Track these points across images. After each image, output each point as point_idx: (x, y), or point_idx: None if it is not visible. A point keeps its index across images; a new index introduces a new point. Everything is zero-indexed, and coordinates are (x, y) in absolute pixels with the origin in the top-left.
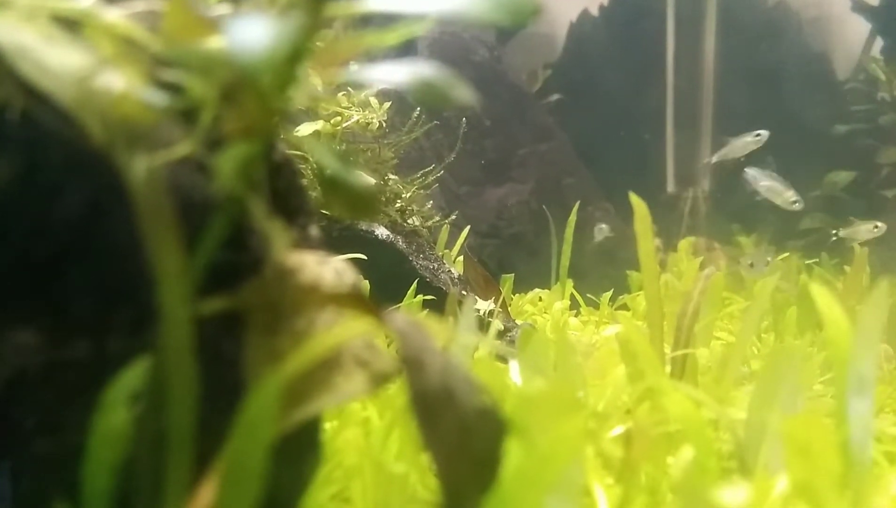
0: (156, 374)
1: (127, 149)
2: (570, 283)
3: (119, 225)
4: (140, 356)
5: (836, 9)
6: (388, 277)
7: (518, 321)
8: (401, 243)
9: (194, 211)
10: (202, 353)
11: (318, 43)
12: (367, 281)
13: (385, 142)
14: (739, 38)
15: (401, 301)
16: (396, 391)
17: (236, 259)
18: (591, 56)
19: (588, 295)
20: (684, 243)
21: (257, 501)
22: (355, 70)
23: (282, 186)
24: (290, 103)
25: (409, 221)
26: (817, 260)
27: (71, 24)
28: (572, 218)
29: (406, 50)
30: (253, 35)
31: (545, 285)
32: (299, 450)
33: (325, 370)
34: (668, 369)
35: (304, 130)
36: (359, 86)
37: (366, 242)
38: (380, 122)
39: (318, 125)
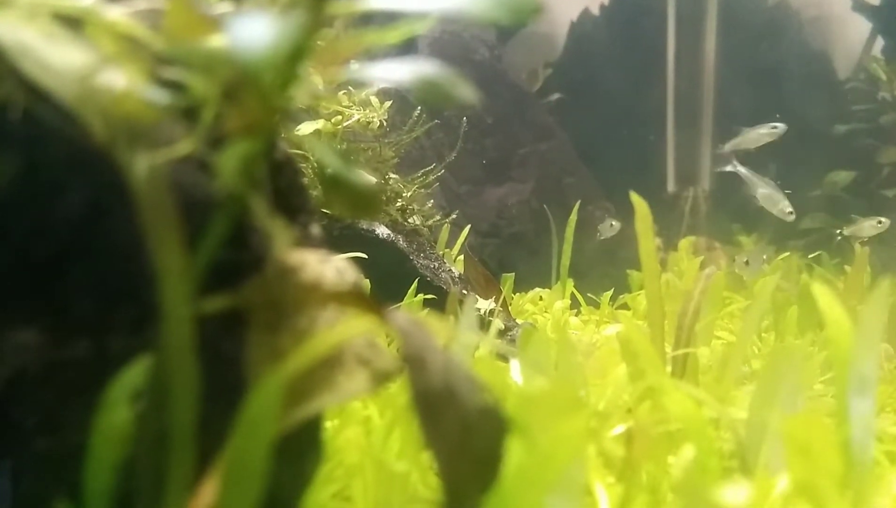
0: (157, 373)
1: (128, 147)
2: (570, 282)
3: (120, 224)
4: (141, 355)
5: (837, 8)
6: (389, 276)
7: (518, 321)
8: (401, 243)
9: (196, 209)
10: (203, 352)
11: (319, 41)
12: (367, 280)
13: (386, 141)
14: (740, 38)
15: (401, 300)
16: (397, 390)
17: (238, 258)
18: (591, 55)
19: (588, 294)
20: (685, 243)
21: (258, 499)
22: (356, 69)
23: (283, 185)
24: (292, 102)
25: (409, 220)
26: (817, 253)
27: (72, 23)
28: (573, 217)
29: (406, 49)
30: (254, 33)
31: (546, 284)
32: (300, 449)
33: (326, 369)
34: (668, 368)
35: (305, 128)
36: (360, 84)
37: (366, 241)
38: (380, 121)
39: (319, 124)
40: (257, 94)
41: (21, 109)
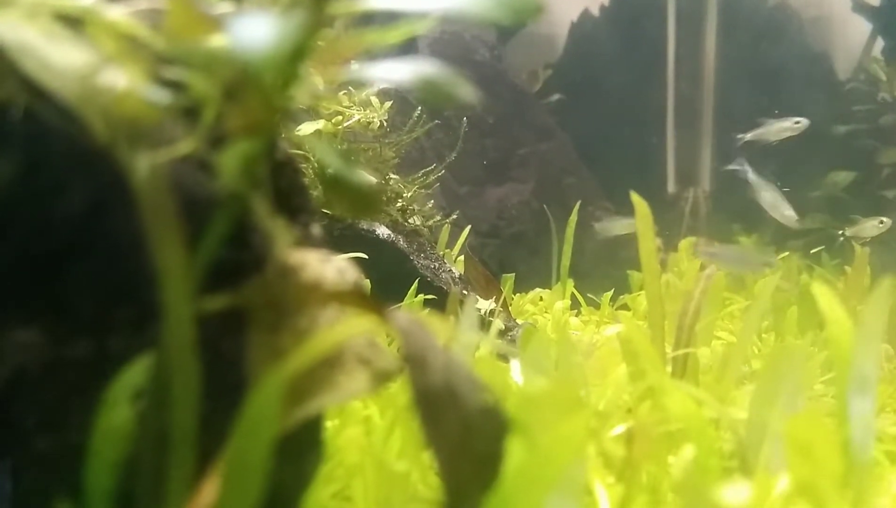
0: (158, 372)
1: (129, 147)
2: (570, 283)
3: (121, 223)
4: (142, 355)
5: (837, 9)
6: (390, 276)
7: (519, 321)
8: (402, 243)
9: (196, 209)
10: (204, 351)
11: (319, 41)
12: (368, 280)
13: (386, 141)
14: (740, 39)
15: (402, 301)
16: (398, 390)
17: (238, 257)
18: (591, 56)
19: (588, 295)
20: (685, 243)
21: (259, 498)
22: (357, 69)
23: (284, 185)
24: (293, 102)
25: (409, 220)
26: (817, 251)
27: (74, 22)
28: (573, 218)
29: (407, 49)
30: (256, 33)
31: (546, 284)
32: (301, 448)
33: (327, 369)
34: (669, 368)
35: (306, 129)
36: (360, 84)
37: (367, 241)
38: (381, 121)
39: (320, 124)
40: (258, 93)
41: (22, 108)
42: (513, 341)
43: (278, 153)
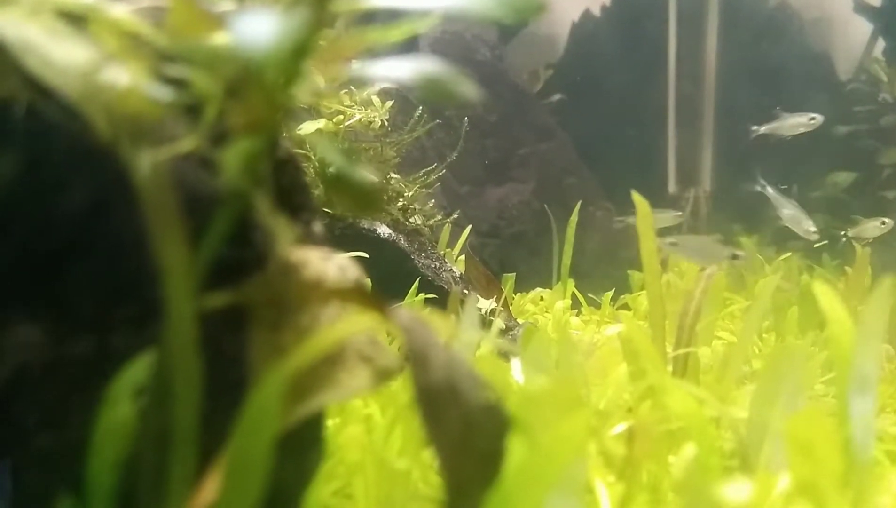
0: (160, 369)
1: (132, 144)
2: (571, 282)
3: (123, 220)
4: (144, 352)
5: (838, 9)
6: (390, 275)
7: (519, 321)
8: (403, 242)
9: (198, 206)
10: (206, 348)
11: (321, 40)
12: (368, 279)
13: (387, 141)
14: (741, 39)
15: (402, 300)
16: (399, 388)
17: (240, 255)
18: (593, 56)
19: (589, 295)
20: None
21: (261, 495)
22: (359, 67)
23: (286, 183)
24: (295, 99)
25: (410, 219)
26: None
27: (76, 20)
28: (574, 218)
29: (408, 49)
30: (258, 30)
31: (546, 284)
32: (303, 445)
33: (328, 366)
34: (669, 368)
35: (307, 128)
36: (362, 83)
37: (368, 240)
38: (382, 120)
39: (321, 123)
40: (260, 91)
41: (25, 105)
42: (513, 340)
43: (280, 151)
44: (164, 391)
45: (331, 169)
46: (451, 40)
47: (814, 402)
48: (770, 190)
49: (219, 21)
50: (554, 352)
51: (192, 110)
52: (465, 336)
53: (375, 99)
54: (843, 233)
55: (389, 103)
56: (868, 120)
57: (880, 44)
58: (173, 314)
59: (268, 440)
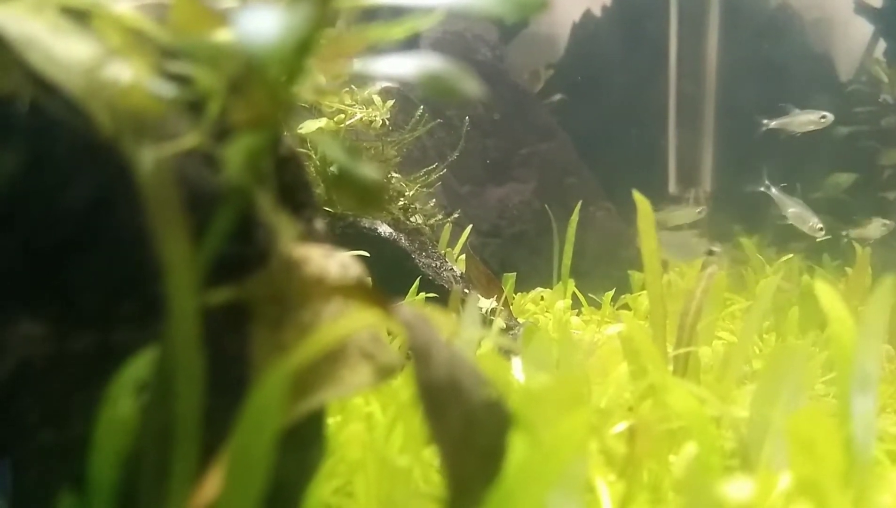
0: (162, 365)
1: (134, 140)
2: (571, 282)
3: (126, 216)
4: (146, 348)
5: (839, 10)
6: (391, 274)
7: (520, 320)
8: (403, 241)
9: (201, 203)
10: (208, 345)
11: (324, 37)
12: (369, 278)
13: (388, 140)
14: (742, 39)
15: (403, 299)
16: (400, 386)
17: (242, 252)
18: (593, 56)
19: (589, 294)
20: None
21: (263, 491)
22: (361, 63)
23: (288, 180)
24: (298, 96)
25: (411, 219)
26: (820, 247)
27: (79, 16)
28: (574, 217)
29: (409, 49)
30: (261, 26)
31: (547, 284)
32: (305, 441)
33: (330, 363)
34: (670, 367)
35: (308, 127)
36: (365, 80)
37: (369, 239)
38: (383, 120)
39: (322, 122)
40: (264, 87)
41: (28, 100)
42: (514, 340)
43: (282, 149)
44: (167, 387)
45: (331, 168)
46: (452, 40)
47: (815, 402)
48: (774, 190)
49: (221, 17)
50: (555, 351)
51: (194, 107)
52: (467, 334)
53: (376, 98)
54: (844, 233)
55: (390, 102)
56: (869, 121)
57: (881, 45)
58: (175, 311)
59: (270, 436)
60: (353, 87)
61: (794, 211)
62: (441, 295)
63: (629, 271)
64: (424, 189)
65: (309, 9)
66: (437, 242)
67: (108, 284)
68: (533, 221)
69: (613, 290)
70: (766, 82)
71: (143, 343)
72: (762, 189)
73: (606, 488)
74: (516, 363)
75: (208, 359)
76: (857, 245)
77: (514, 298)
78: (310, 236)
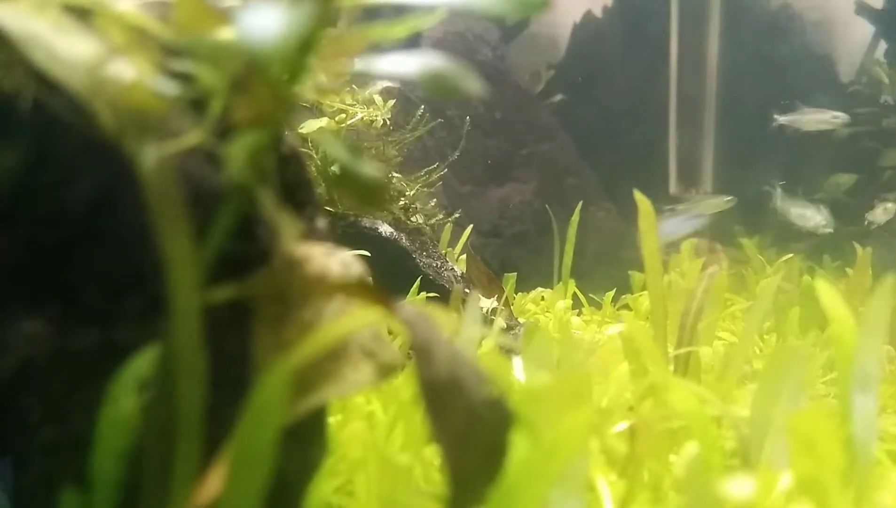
0: (164, 362)
1: (137, 138)
2: (572, 283)
3: (129, 214)
4: (149, 345)
5: (840, 11)
6: (392, 274)
7: (520, 320)
8: (404, 241)
9: (203, 201)
10: (210, 342)
11: (326, 36)
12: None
13: (389, 140)
14: (743, 40)
15: (404, 298)
16: (401, 386)
17: (244, 250)
18: (594, 57)
19: (590, 295)
20: (687, 245)
21: (265, 487)
22: (364, 62)
23: (290, 179)
24: (300, 94)
25: (412, 219)
26: (821, 249)
27: (82, 14)
28: (575, 218)
29: (410, 49)
30: (264, 24)
31: (547, 284)
32: (307, 438)
33: (332, 361)
34: (671, 367)
35: (309, 126)
36: (367, 78)
37: (369, 239)
38: (384, 119)
39: (323, 122)
40: (266, 85)
41: (32, 98)
42: (515, 339)
43: (284, 147)
44: (169, 384)
45: (336, 164)
46: (454, 41)
47: (815, 402)
48: (779, 191)
49: (224, 16)
50: (556, 351)
51: (197, 105)
52: (468, 333)
53: (377, 98)
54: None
55: (391, 102)
56: (869, 122)
57: (882, 46)
58: (178, 308)
59: (273, 432)
60: (353, 86)
61: (798, 211)
62: (442, 295)
63: (630, 272)
64: (425, 189)
65: (311, 7)
66: (438, 242)
67: (111, 281)
68: (533, 221)
69: (614, 290)
70: (767, 83)
71: (145, 341)
72: (767, 188)
73: (607, 487)
74: (517, 362)
75: (210, 357)
76: (857, 246)
77: (514, 298)
78: (311, 235)
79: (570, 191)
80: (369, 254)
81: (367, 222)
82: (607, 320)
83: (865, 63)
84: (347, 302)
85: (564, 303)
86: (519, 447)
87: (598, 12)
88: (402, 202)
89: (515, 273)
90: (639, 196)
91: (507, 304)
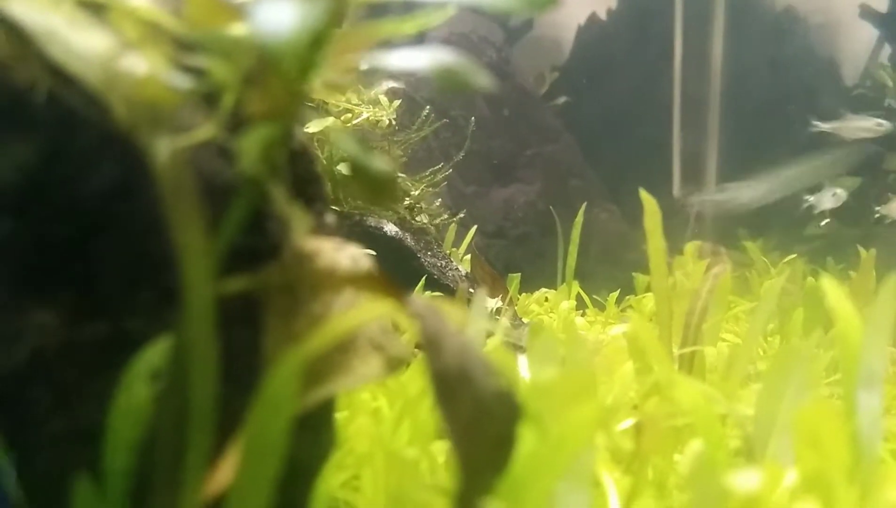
0: (177, 353)
1: (150, 131)
2: (575, 284)
3: (142, 206)
4: (161, 336)
5: (844, 15)
6: (397, 273)
7: (525, 320)
8: (409, 240)
9: (215, 194)
10: (222, 334)
11: (337, 31)
12: None
13: (394, 140)
14: (747, 43)
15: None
16: (407, 381)
17: (255, 243)
18: (598, 59)
19: (593, 296)
20: (690, 247)
21: (276, 478)
22: (374, 57)
23: (300, 173)
24: (312, 88)
25: (417, 218)
26: (824, 250)
27: (96, 9)
28: (579, 219)
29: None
30: (277, 18)
31: (551, 285)
32: (316, 430)
33: (341, 353)
34: (675, 366)
35: (315, 126)
36: (376, 75)
37: (374, 237)
38: (389, 120)
39: (329, 121)
40: (279, 79)
41: (47, 91)
42: (519, 338)
43: (294, 142)
44: (181, 375)
45: (341, 165)
46: (458, 42)
47: (820, 400)
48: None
49: (236, 10)
50: (561, 349)
51: (209, 99)
52: (475, 328)
53: (383, 98)
54: (876, 210)
55: (397, 102)
56: None
57: (886, 49)
58: (191, 300)
59: (284, 422)
60: (360, 87)
61: (815, 196)
62: (446, 294)
63: (633, 274)
64: (430, 189)
65: (324, 2)
66: (442, 242)
67: (124, 273)
68: (537, 222)
69: (618, 291)
70: (772, 86)
71: (157, 332)
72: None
73: (612, 483)
74: (522, 361)
75: (222, 348)
76: (861, 249)
77: (518, 298)
78: (321, 229)
79: (574, 192)
80: (374, 253)
81: (372, 221)
82: (611, 321)
83: (869, 67)
84: (356, 296)
85: (569, 304)
86: (526, 440)
87: (602, 14)
88: (407, 202)
89: (519, 274)
90: (644, 195)
91: (511, 304)
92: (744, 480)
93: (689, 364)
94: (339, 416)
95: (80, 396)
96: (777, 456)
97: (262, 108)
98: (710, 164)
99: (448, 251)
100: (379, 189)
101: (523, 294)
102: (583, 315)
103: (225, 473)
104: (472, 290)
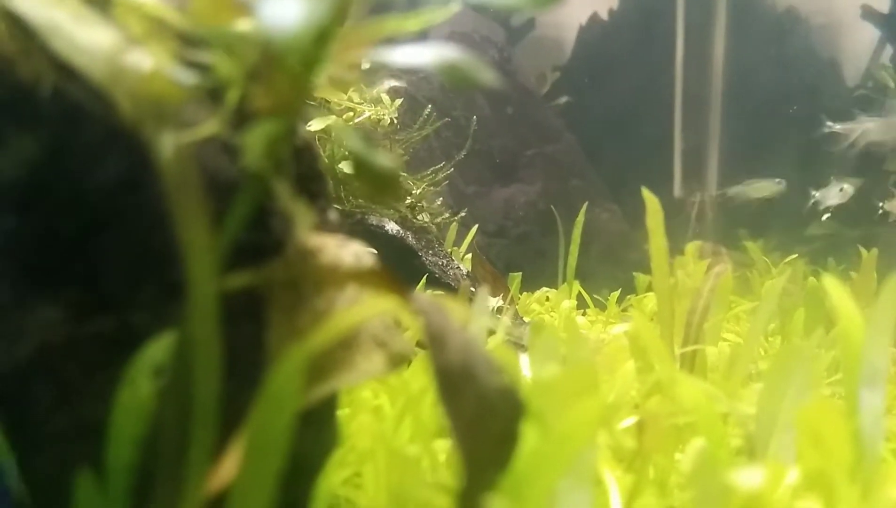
0: (181, 348)
1: (155, 126)
2: (576, 283)
3: (146, 201)
4: (165, 331)
5: (846, 15)
6: (398, 271)
7: (525, 320)
8: (410, 239)
9: (220, 189)
10: (226, 329)
11: (342, 27)
12: None
13: (396, 139)
14: (748, 44)
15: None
16: (409, 379)
17: (259, 239)
18: (600, 59)
19: (594, 296)
20: (691, 247)
21: (279, 473)
22: (379, 53)
23: (303, 170)
24: (317, 85)
25: (418, 217)
26: (825, 252)
27: (101, 4)
28: (580, 219)
29: None
30: (284, 13)
31: (552, 285)
32: (319, 426)
33: (345, 349)
34: (677, 365)
35: (317, 124)
36: (379, 73)
37: (376, 236)
38: (391, 119)
39: (331, 120)
40: (284, 74)
41: (52, 86)
42: (520, 338)
43: (298, 139)
44: (185, 370)
45: (343, 164)
46: (460, 41)
47: (822, 399)
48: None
49: (241, 5)
50: (562, 348)
51: (214, 95)
52: (478, 325)
53: (385, 97)
54: (880, 204)
55: (399, 101)
56: None
57: (888, 50)
58: (195, 295)
59: (288, 417)
60: (362, 85)
61: (822, 192)
62: (448, 293)
63: (634, 274)
64: (431, 188)
65: None
66: (444, 241)
67: (128, 268)
68: (538, 222)
69: (619, 291)
70: (772, 87)
71: (161, 327)
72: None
73: (614, 481)
74: (524, 360)
75: (225, 343)
76: (862, 249)
77: (519, 298)
78: (324, 226)
79: (575, 192)
80: (376, 251)
81: (373, 219)
82: (612, 320)
83: (871, 67)
84: (359, 292)
85: (570, 303)
86: (528, 438)
87: (603, 14)
88: (408, 201)
89: (520, 273)
90: (647, 194)
91: (512, 303)
92: (746, 478)
93: (691, 363)
94: (341, 413)
95: (84, 392)
96: (779, 455)
97: (267, 104)
98: (712, 164)
99: (449, 250)
100: (382, 185)
101: (524, 293)
102: (584, 315)
103: (228, 469)
104: (473, 289)
